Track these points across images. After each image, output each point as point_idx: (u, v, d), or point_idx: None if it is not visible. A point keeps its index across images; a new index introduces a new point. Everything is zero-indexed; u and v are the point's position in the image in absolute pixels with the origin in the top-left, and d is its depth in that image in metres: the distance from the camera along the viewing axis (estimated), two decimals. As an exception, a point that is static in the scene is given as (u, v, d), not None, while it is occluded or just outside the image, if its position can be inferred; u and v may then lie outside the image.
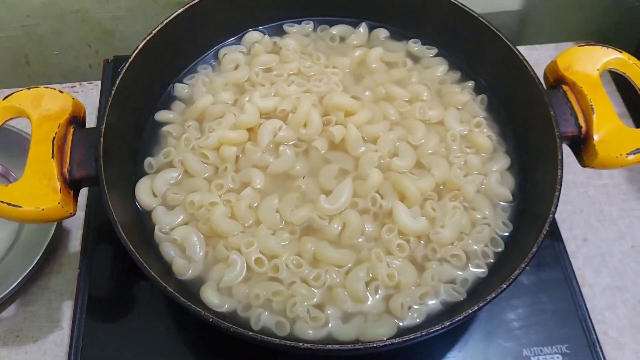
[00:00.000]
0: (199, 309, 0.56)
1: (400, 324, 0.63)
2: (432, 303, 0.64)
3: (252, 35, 0.86)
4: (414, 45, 0.84)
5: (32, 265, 0.78)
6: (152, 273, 0.57)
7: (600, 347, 0.72)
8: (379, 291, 0.65)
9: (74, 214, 0.66)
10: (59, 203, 0.62)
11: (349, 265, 0.66)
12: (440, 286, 0.65)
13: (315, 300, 0.64)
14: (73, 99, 0.69)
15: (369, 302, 0.64)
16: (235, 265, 0.65)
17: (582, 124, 0.69)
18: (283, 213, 0.68)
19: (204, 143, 0.72)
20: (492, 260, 0.67)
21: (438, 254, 0.67)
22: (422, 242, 0.68)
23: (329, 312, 0.63)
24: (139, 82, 0.74)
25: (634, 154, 0.66)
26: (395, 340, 0.55)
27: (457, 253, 0.66)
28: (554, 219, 0.79)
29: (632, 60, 0.71)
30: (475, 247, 0.68)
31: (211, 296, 0.64)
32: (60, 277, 0.84)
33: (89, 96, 1.04)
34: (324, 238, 0.67)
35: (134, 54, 0.72)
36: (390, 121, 0.76)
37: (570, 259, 0.80)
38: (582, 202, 0.93)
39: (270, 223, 0.68)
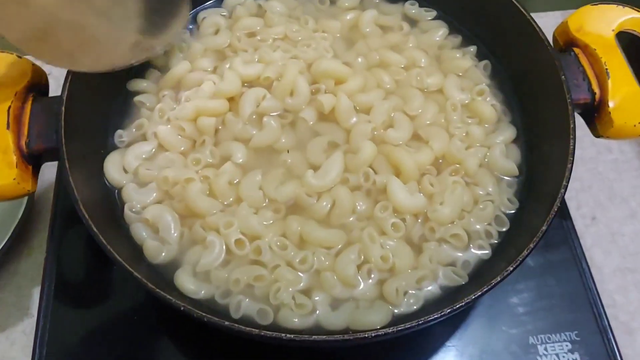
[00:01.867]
0: (169, 297, 0.50)
1: (395, 310, 0.57)
2: (430, 288, 0.59)
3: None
4: (411, 7, 0.78)
5: (-1, 249, 0.73)
6: (117, 256, 0.52)
7: (613, 334, 0.67)
8: (372, 275, 0.59)
9: (33, 192, 0.60)
10: (14, 179, 0.57)
11: (339, 246, 0.60)
12: (439, 269, 0.60)
13: (301, 285, 0.58)
14: (33, 64, 0.63)
15: (361, 287, 0.58)
16: (213, 248, 0.59)
17: (596, 89, 0.64)
18: (266, 190, 0.62)
19: (179, 113, 0.66)
20: (496, 241, 0.62)
21: (437, 234, 0.61)
22: (419, 220, 0.62)
23: (316, 298, 0.58)
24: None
25: (654, 122, 0.61)
26: (389, 330, 0.49)
27: (457, 232, 0.61)
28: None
29: (650, 20, 0.65)
30: (477, 226, 0.62)
31: (186, 282, 0.58)
32: (30, 261, 0.79)
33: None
34: (311, 217, 0.62)
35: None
36: (385, 89, 0.70)
37: (579, 239, 0.74)
38: (591, 178, 0.88)
39: (252, 201, 0.62)
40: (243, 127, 0.66)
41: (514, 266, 0.52)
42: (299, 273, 0.59)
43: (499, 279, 0.51)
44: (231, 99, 0.68)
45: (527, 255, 0.53)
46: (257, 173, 0.63)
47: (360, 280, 0.58)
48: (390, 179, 0.62)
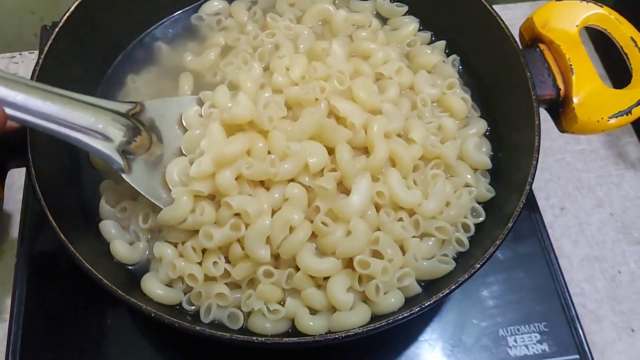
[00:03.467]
0: (139, 303, 0.50)
1: (373, 308, 0.57)
2: (410, 283, 0.58)
3: (212, 5, 0.77)
4: (383, 3, 0.77)
5: (-32, 254, 0.72)
6: (87, 265, 0.51)
7: (580, 324, 0.69)
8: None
9: (1, 199, 0.59)
10: (-21, 188, 0.56)
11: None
12: (420, 264, 0.59)
13: (279, 298, 0.57)
14: (-4, 68, 0.62)
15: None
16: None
17: (561, 85, 0.65)
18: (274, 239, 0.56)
19: (197, 172, 0.56)
20: (473, 234, 0.62)
21: (421, 229, 0.60)
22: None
23: (292, 304, 0.56)
24: (78, 49, 0.67)
25: (617, 117, 0.62)
26: (359, 330, 0.50)
27: (441, 225, 0.60)
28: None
29: (613, 15, 0.66)
30: (457, 217, 0.62)
31: (154, 287, 0.57)
32: (1, 266, 0.78)
33: (30, 67, 0.96)
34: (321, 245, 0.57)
35: (65, 16, 0.65)
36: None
37: (547, 231, 0.76)
38: (559, 169, 0.90)
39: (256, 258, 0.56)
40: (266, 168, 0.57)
41: (482, 263, 0.53)
42: (278, 288, 0.56)
43: (466, 277, 0.52)
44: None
45: (495, 250, 0.54)
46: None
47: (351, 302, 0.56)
48: (390, 171, 0.60)
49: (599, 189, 0.88)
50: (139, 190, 0.58)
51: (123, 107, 0.59)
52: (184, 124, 0.64)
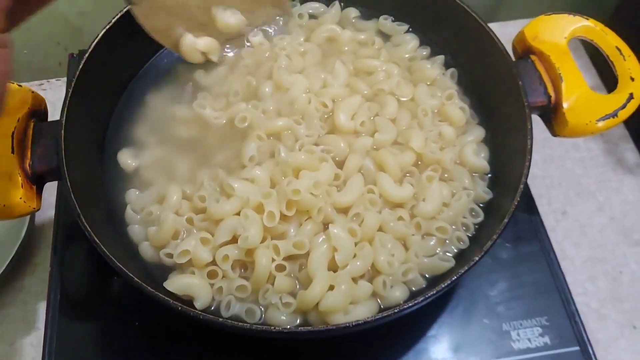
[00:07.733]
0: (166, 298, 0.55)
1: (382, 302, 0.61)
2: (414, 277, 0.62)
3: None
4: (385, 23, 0.82)
5: (5, 267, 0.76)
6: (117, 262, 0.56)
7: (580, 318, 0.72)
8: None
9: (38, 209, 0.64)
10: (20, 198, 0.61)
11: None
12: (424, 261, 0.63)
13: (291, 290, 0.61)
14: (32, 92, 0.68)
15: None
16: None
17: (552, 92, 0.69)
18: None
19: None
20: (473, 233, 0.66)
21: (422, 229, 0.65)
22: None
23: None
24: (103, 73, 0.73)
25: (604, 120, 0.66)
26: (368, 319, 0.53)
27: (442, 225, 0.65)
28: (529, 191, 0.79)
29: (598, 26, 0.71)
30: (456, 217, 0.66)
31: (180, 283, 0.61)
32: (34, 277, 0.83)
33: (57, 92, 1.03)
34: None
35: (93, 44, 0.70)
36: (363, 95, 0.74)
37: (547, 232, 0.79)
38: (560, 175, 0.93)
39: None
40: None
41: (480, 256, 0.57)
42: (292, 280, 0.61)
43: (466, 268, 0.56)
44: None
45: (492, 245, 0.57)
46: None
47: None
48: (379, 175, 0.66)
49: (599, 194, 0.91)
50: (144, 26, 0.65)
51: None
52: None
